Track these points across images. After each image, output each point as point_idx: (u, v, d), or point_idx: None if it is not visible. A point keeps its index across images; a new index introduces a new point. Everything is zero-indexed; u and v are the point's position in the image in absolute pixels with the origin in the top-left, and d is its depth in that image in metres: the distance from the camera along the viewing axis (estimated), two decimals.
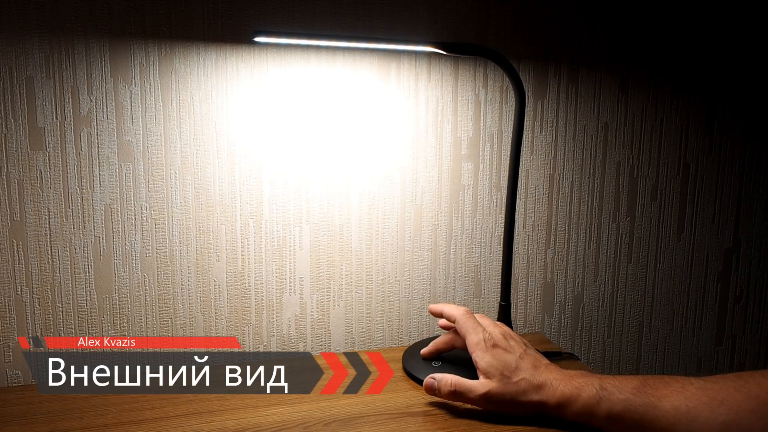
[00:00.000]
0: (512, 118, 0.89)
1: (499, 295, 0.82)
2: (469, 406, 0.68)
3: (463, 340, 0.70)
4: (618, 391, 0.61)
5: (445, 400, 0.69)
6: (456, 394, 0.67)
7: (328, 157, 0.84)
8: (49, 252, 0.76)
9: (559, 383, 0.64)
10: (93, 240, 0.77)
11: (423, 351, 0.77)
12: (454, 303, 0.93)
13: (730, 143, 1.03)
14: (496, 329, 0.70)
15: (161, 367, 0.82)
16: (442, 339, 0.76)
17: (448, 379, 0.67)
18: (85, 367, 0.79)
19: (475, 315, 0.73)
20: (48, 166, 0.75)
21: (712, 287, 1.07)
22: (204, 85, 0.78)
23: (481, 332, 0.69)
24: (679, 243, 1.03)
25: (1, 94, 0.72)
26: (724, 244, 1.06)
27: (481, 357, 0.67)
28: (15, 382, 0.77)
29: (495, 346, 0.67)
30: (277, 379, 0.75)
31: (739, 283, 1.08)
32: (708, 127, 1.01)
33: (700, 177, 1.02)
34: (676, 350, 1.07)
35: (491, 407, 0.66)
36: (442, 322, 0.77)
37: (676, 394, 0.59)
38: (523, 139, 0.92)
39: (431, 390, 0.69)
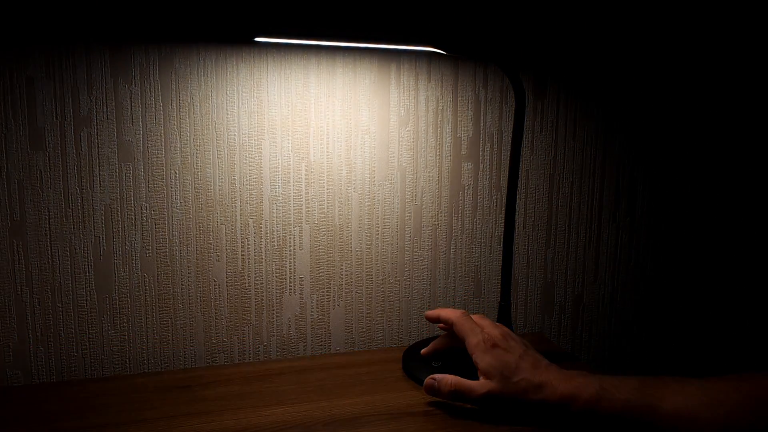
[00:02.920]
0: (512, 118, 0.89)
1: (499, 295, 0.82)
2: (469, 406, 0.68)
3: (462, 341, 0.70)
4: (618, 391, 0.61)
5: (446, 401, 0.69)
6: (456, 394, 0.67)
7: (328, 156, 0.84)
8: (49, 252, 0.76)
9: (559, 383, 0.64)
10: (93, 240, 0.77)
11: (423, 351, 0.77)
12: (453, 303, 0.93)
13: (730, 143, 1.03)
14: (495, 330, 0.70)
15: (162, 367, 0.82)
16: (442, 340, 0.76)
17: (448, 380, 0.67)
18: (85, 366, 0.80)
19: (474, 316, 0.73)
20: (48, 166, 0.75)
21: (713, 287, 1.06)
22: (204, 85, 0.78)
23: (480, 333, 0.69)
24: (679, 243, 1.03)
25: (1, 94, 0.72)
26: (724, 244, 1.06)
27: (481, 358, 0.67)
28: (15, 382, 0.77)
29: (494, 346, 0.67)
30: (277, 379, 0.76)
31: (739, 283, 1.08)
32: (708, 126, 1.01)
33: (701, 176, 1.02)
34: (676, 350, 1.07)
35: (491, 407, 0.66)
36: (442, 324, 0.77)
37: (675, 395, 0.59)
38: (523, 139, 0.92)
39: (431, 390, 0.69)
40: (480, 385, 0.66)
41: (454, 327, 0.72)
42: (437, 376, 0.69)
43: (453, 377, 0.67)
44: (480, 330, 0.69)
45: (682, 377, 0.61)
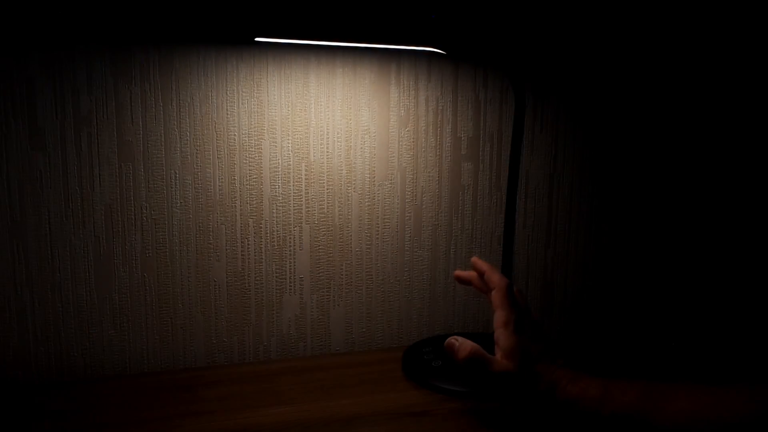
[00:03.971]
0: (512, 118, 0.89)
1: None
2: (469, 406, 0.68)
3: (494, 309, 0.68)
4: (622, 394, 0.61)
5: (446, 397, 0.69)
6: (473, 362, 0.64)
7: (328, 156, 0.84)
8: (49, 252, 0.76)
9: (567, 383, 0.63)
10: (93, 240, 0.77)
11: (457, 273, 0.74)
12: (453, 303, 0.93)
13: (730, 143, 1.03)
14: (528, 318, 0.68)
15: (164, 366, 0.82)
16: (475, 276, 0.73)
17: (468, 345, 0.65)
18: (85, 366, 0.80)
19: (515, 292, 0.70)
20: (48, 166, 0.75)
21: (714, 288, 1.06)
22: (204, 85, 0.78)
23: (514, 314, 0.67)
24: (680, 243, 1.03)
25: (1, 94, 0.72)
26: (726, 244, 1.06)
27: (506, 336, 0.65)
28: (15, 382, 0.77)
29: (523, 332, 0.66)
30: (277, 379, 0.76)
31: (741, 283, 1.08)
32: (708, 126, 1.01)
33: (701, 176, 1.02)
34: (677, 351, 1.07)
35: (500, 388, 0.65)
36: (465, 273, 0.74)
37: (680, 399, 0.59)
38: (523, 139, 0.91)
39: (450, 349, 0.66)
40: (498, 363, 0.64)
41: (494, 292, 0.69)
42: (460, 338, 0.66)
43: (474, 344, 0.65)
44: (515, 312, 0.67)
45: (688, 382, 0.61)
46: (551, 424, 0.65)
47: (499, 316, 0.67)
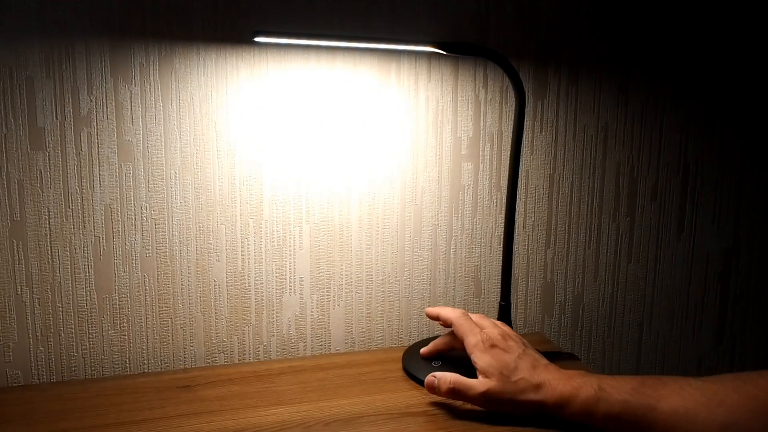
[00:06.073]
0: (512, 118, 0.89)
1: (499, 295, 0.82)
2: (469, 406, 0.68)
3: (462, 341, 0.70)
4: (616, 391, 0.61)
5: (446, 399, 0.69)
6: (455, 392, 0.67)
7: (328, 156, 0.84)
8: (49, 252, 0.76)
9: (558, 383, 0.64)
10: (93, 240, 0.77)
11: (422, 350, 0.77)
12: (453, 303, 0.93)
13: (731, 143, 1.03)
14: (494, 330, 0.70)
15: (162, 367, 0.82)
16: (442, 340, 0.76)
17: (447, 377, 0.68)
18: (85, 366, 0.80)
19: (474, 315, 0.73)
20: (48, 166, 0.75)
21: (712, 287, 1.07)
22: (204, 85, 0.78)
23: (479, 333, 0.69)
24: (679, 243, 1.03)
25: (1, 94, 0.72)
26: (724, 244, 1.06)
27: (479, 357, 0.67)
28: (15, 382, 0.77)
29: (493, 346, 0.67)
30: (277, 379, 0.76)
31: (739, 283, 1.08)
32: (708, 127, 1.01)
33: (700, 177, 1.02)
34: (675, 350, 1.07)
35: (490, 406, 0.66)
36: (442, 322, 0.77)
37: (674, 395, 0.59)
38: (523, 139, 0.91)
39: (432, 388, 0.69)
40: (479, 383, 0.66)
41: (453, 327, 0.72)
42: (438, 373, 0.69)
43: (453, 375, 0.68)
44: (479, 330, 0.69)
45: (681, 377, 0.61)
46: (548, 423, 0.65)
47: (467, 344, 0.69)
